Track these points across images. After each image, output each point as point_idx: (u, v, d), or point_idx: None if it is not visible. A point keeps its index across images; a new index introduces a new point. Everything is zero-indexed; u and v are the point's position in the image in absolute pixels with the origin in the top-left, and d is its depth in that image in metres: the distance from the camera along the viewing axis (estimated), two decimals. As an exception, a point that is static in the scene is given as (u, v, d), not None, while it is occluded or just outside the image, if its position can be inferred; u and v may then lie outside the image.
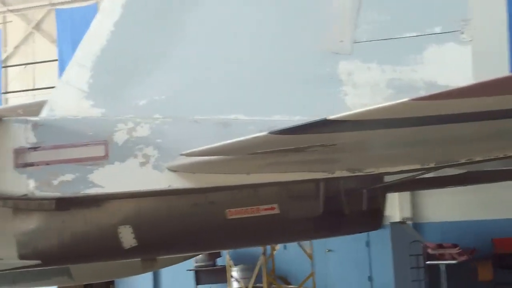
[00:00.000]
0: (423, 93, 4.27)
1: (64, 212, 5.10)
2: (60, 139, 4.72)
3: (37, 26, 22.95)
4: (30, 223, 5.26)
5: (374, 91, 4.37)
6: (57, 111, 4.93)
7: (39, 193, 4.75)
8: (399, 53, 4.35)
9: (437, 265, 15.71)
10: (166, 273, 19.78)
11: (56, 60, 20.21)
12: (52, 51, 21.37)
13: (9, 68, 22.75)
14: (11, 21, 22.88)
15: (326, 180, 4.61)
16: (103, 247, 5.18)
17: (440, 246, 15.81)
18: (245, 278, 19.37)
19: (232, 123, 4.50)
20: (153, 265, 6.87)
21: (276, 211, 4.81)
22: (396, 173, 4.52)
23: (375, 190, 5.33)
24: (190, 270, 19.74)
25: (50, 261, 5.46)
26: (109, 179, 4.60)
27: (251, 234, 5.05)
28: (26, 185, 4.75)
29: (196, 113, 4.59)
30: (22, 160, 4.76)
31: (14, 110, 5.84)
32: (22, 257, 5.31)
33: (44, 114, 4.97)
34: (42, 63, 21.97)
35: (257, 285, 10.36)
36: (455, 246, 15.65)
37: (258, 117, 4.49)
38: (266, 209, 4.81)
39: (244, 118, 4.51)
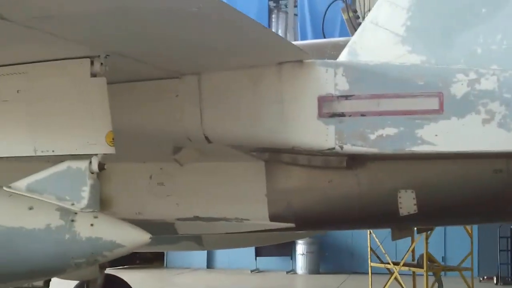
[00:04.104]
0: None
1: (332, 171, 4.55)
2: (379, 87, 4.13)
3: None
4: (290, 181, 4.73)
5: None
6: (362, 55, 4.32)
7: (350, 148, 4.16)
8: None
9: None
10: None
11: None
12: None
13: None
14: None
15: None
16: (374, 213, 4.65)
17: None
18: (310, 252, 18.97)
19: None
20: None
21: None
22: None
23: None
24: (251, 241, 19.21)
25: (305, 225, 4.96)
26: (442, 137, 4.02)
27: None
28: (334, 138, 4.17)
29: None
30: (329, 110, 4.18)
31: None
32: (273, 218, 4.80)
33: (343, 58, 4.36)
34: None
35: (408, 262, 9.86)
36: None
37: None
38: None
39: None
